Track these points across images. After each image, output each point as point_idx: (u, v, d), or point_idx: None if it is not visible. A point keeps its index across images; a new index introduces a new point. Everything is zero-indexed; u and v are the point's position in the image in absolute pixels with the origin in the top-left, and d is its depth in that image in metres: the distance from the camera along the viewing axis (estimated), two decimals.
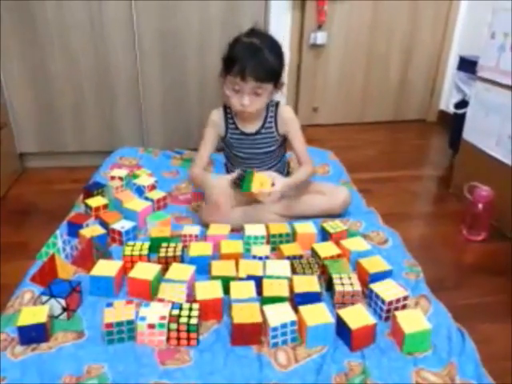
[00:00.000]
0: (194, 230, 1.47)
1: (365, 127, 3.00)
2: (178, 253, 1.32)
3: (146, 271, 1.22)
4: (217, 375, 1.00)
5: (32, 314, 1.06)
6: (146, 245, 1.35)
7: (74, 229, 1.47)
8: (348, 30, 2.80)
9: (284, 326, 1.06)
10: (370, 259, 1.31)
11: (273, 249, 1.43)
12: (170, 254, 1.32)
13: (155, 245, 1.36)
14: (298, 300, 1.15)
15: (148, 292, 1.20)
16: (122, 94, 2.17)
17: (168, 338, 1.06)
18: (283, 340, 1.07)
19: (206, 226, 1.50)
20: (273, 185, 1.46)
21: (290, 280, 1.21)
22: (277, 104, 1.59)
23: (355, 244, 1.40)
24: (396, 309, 1.15)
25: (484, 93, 1.82)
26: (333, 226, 1.49)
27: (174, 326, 1.05)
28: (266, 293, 1.17)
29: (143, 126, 2.26)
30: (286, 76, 1.55)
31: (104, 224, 1.49)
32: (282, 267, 1.27)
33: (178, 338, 1.06)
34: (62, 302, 1.11)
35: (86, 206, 1.61)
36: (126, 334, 1.06)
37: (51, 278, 1.20)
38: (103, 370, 0.99)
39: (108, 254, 1.37)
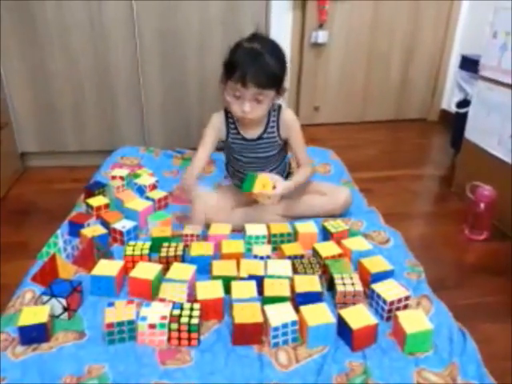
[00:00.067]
0: (195, 229, 1.46)
1: (366, 126, 2.99)
2: (179, 252, 1.32)
3: (146, 271, 1.22)
4: (217, 375, 0.99)
5: (33, 313, 1.06)
6: (147, 244, 1.35)
7: (75, 228, 1.47)
8: (349, 29, 2.80)
9: (285, 325, 1.06)
10: (372, 259, 1.30)
11: (274, 248, 1.43)
12: (171, 253, 1.32)
13: (156, 244, 1.36)
14: (299, 300, 1.15)
15: (149, 292, 1.19)
16: (122, 94, 2.17)
17: (169, 338, 1.06)
18: (284, 340, 1.07)
19: (206, 226, 1.49)
20: (274, 187, 1.46)
21: (291, 280, 1.21)
22: (279, 108, 1.56)
23: (356, 244, 1.39)
24: (397, 309, 1.15)
25: (486, 92, 1.81)
26: (334, 225, 1.49)
27: (174, 325, 1.05)
28: (267, 293, 1.16)
29: (144, 126, 2.26)
30: (287, 81, 1.51)
31: (105, 224, 1.49)
32: (283, 267, 1.27)
33: (179, 338, 1.06)
34: (63, 301, 1.11)
35: (88, 205, 1.61)
36: (127, 334, 1.06)
37: (52, 277, 1.19)
38: (104, 370, 0.99)
39: (109, 253, 1.37)
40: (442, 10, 2.84)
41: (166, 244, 1.36)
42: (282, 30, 2.63)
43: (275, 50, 1.43)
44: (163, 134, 2.30)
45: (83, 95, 2.15)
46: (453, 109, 2.35)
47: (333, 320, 1.08)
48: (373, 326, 1.06)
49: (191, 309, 1.08)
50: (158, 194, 1.71)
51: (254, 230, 1.45)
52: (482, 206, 1.66)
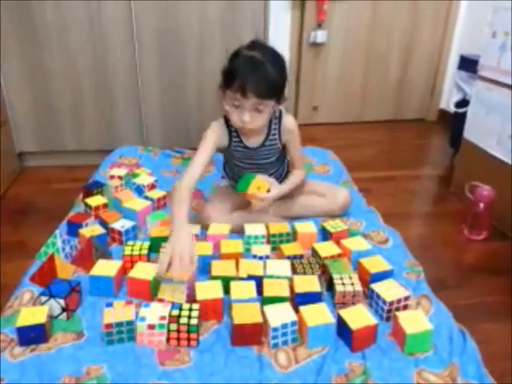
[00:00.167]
0: (194, 229, 1.46)
1: (364, 126, 2.99)
2: None
3: (145, 271, 1.21)
4: (217, 376, 0.99)
5: (31, 314, 1.05)
6: (146, 244, 1.34)
7: (73, 228, 1.46)
8: (347, 29, 2.80)
9: (284, 326, 1.06)
10: (371, 259, 1.30)
11: (273, 248, 1.42)
12: None
13: (155, 244, 1.36)
14: (299, 300, 1.14)
15: (148, 292, 1.19)
16: (120, 94, 2.17)
17: (168, 339, 1.06)
18: (284, 340, 1.07)
19: (205, 227, 1.49)
20: (268, 191, 1.45)
21: (291, 280, 1.21)
22: (280, 114, 1.52)
23: (356, 243, 1.39)
24: (397, 309, 1.15)
25: (485, 92, 1.81)
26: (333, 225, 1.49)
27: (173, 326, 1.04)
28: (267, 293, 1.16)
29: (142, 125, 2.25)
30: (288, 90, 1.45)
31: (103, 223, 1.48)
32: (282, 267, 1.26)
33: (178, 339, 1.05)
34: (62, 302, 1.10)
35: (86, 205, 1.60)
36: (126, 334, 1.06)
37: (50, 277, 1.19)
38: (102, 370, 0.99)
39: (108, 253, 1.36)
40: (441, 10, 2.84)
41: (165, 244, 1.35)
42: (280, 30, 2.64)
43: (276, 58, 1.38)
44: (162, 134, 2.29)
45: (82, 95, 2.15)
46: (451, 109, 2.35)
47: (332, 320, 1.08)
48: (372, 326, 1.06)
49: (190, 309, 1.08)
50: (156, 193, 1.71)
51: (253, 229, 1.45)
52: (481, 205, 1.66)
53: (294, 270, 1.26)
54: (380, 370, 1.01)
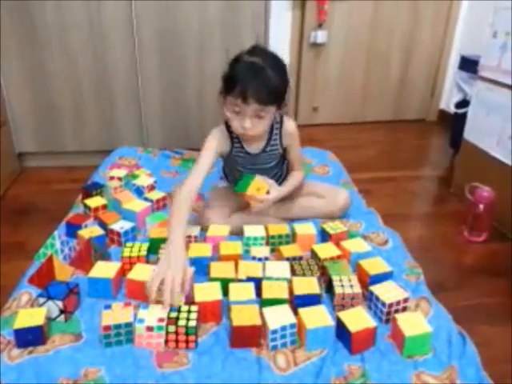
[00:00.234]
0: (194, 230, 1.46)
1: (365, 127, 2.99)
2: None
3: (144, 273, 1.21)
4: (215, 378, 0.99)
5: (29, 316, 1.05)
6: (145, 246, 1.34)
7: (72, 229, 1.46)
8: (348, 29, 2.79)
9: (283, 328, 1.05)
10: (371, 260, 1.30)
11: (272, 250, 1.42)
12: None
13: (154, 246, 1.35)
14: (298, 302, 1.14)
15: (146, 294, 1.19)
16: (120, 94, 2.17)
17: (166, 341, 1.05)
18: (283, 343, 1.06)
19: (204, 228, 1.48)
20: (268, 192, 1.45)
21: (290, 282, 1.20)
22: (281, 119, 1.50)
23: (355, 245, 1.39)
24: (396, 311, 1.14)
25: (485, 92, 1.81)
26: (333, 226, 1.48)
27: (172, 328, 1.04)
28: (266, 295, 1.16)
29: (142, 126, 2.25)
30: (289, 96, 1.43)
31: (103, 225, 1.48)
32: (281, 269, 1.26)
33: (177, 341, 1.05)
34: (60, 303, 1.10)
35: (85, 206, 1.60)
36: (124, 336, 1.05)
37: (49, 279, 1.19)
38: (100, 373, 0.98)
39: (106, 255, 1.36)
40: (442, 10, 2.84)
41: (164, 245, 1.35)
42: (281, 30, 2.64)
43: (277, 63, 1.36)
44: (162, 134, 2.29)
45: (82, 95, 2.14)
46: (452, 109, 2.35)
47: (331, 323, 1.07)
48: (372, 328, 1.06)
49: (189, 311, 1.08)
50: (156, 194, 1.70)
51: (252, 231, 1.45)
52: (481, 207, 1.66)
53: (294, 272, 1.26)
54: (379, 373, 1.00)
